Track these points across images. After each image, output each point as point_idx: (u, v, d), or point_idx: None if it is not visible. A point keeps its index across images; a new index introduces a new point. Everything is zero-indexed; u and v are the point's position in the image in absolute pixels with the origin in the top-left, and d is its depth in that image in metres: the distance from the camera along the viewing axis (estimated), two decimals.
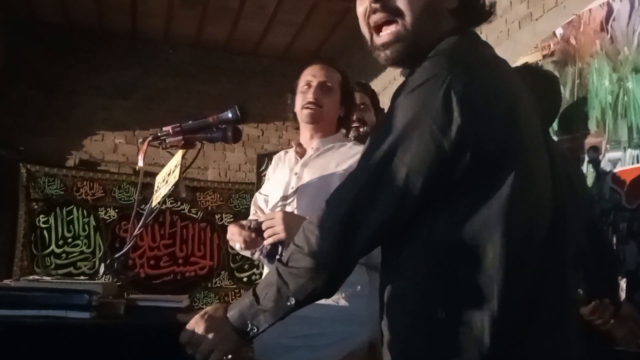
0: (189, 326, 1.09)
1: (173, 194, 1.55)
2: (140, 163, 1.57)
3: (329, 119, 1.89)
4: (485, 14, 1.13)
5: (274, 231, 1.60)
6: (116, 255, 1.50)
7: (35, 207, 4.85)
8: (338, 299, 1.64)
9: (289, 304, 1.03)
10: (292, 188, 1.80)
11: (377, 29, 1.09)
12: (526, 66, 2.43)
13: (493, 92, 0.96)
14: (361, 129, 2.42)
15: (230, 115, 1.53)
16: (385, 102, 4.02)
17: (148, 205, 1.59)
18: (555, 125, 2.40)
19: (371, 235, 0.99)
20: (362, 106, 2.48)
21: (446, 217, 0.96)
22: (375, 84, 4.22)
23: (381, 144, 0.97)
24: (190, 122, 1.57)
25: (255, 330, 1.05)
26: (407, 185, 0.95)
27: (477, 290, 0.92)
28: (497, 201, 0.93)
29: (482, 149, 0.93)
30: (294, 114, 1.92)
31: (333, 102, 1.88)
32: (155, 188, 1.65)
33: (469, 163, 0.93)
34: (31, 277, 1.39)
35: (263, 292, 1.06)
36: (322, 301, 1.55)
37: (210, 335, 1.06)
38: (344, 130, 1.98)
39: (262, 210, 1.93)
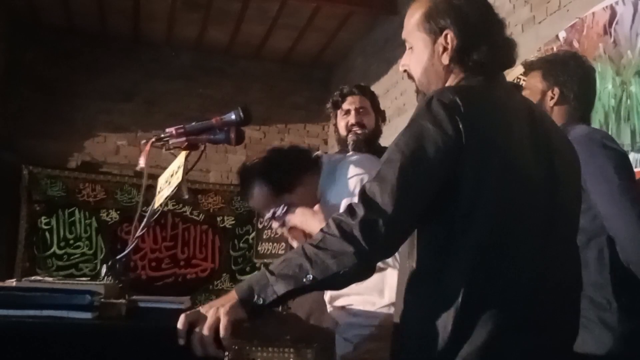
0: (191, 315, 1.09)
1: (175, 195, 1.54)
2: (142, 164, 1.56)
3: None
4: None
5: None
6: (118, 257, 1.50)
7: (37, 208, 4.86)
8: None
9: (305, 280, 1.06)
10: None
11: None
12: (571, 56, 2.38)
13: (474, 100, 1.13)
14: (359, 132, 2.41)
15: (233, 117, 1.53)
16: (386, 106, 4.00)
17: (150, 207, 1.58)
18: None
19: (394, 230, 1.08)
20: (361, 110, 2.47)
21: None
22: (377, 87, 4.22)
23: (390, 152, 1.12)
24: (193, 123, 1.57)
25: (261, 301, 1.07)
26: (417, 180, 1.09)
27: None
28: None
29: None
30: None
31: None
32: (158, 190, 1.64)
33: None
34: (33, 278, 1.38)
35: (280, 266, 1.10)
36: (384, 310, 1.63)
37: (214, 311, 1.07)
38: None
39: None
